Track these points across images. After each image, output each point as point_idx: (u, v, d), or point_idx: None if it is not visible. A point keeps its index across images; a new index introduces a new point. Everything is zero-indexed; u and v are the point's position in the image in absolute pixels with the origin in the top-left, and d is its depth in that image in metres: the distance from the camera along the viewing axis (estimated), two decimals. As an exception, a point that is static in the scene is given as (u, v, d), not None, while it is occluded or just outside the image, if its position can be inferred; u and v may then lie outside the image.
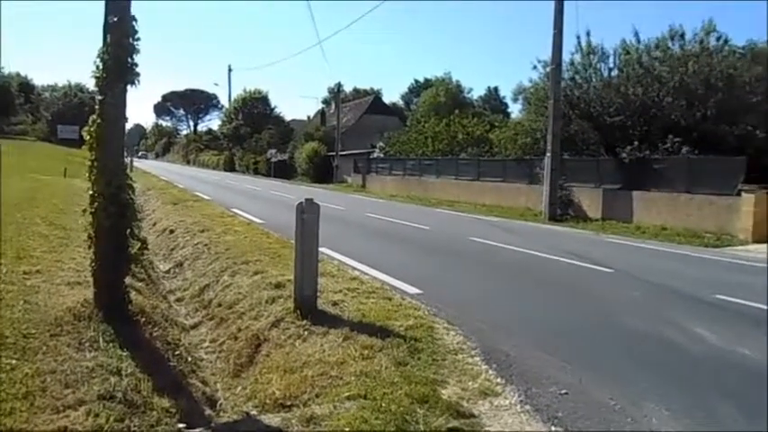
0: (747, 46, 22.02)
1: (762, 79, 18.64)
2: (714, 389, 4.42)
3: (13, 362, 4.06)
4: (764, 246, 12.89)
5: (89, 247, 5.33)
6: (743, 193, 14.50)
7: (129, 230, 5.22)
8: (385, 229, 14.86)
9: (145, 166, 48.30)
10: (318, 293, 6.21)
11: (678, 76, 18.89)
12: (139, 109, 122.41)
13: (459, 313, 6.17)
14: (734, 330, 6.07)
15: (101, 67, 5.04)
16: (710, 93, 18.43)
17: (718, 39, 19.73)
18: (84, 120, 5.60)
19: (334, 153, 40.88)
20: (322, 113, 58.50)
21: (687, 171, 16.37)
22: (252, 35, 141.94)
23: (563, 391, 4.25)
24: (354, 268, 8.44)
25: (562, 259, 10.41)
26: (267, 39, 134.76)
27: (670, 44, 20.45)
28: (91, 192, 5.13)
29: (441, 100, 53.79)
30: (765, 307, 6.92)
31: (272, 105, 65.58)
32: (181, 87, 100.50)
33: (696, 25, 20.48)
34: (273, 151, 48.30)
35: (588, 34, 22.08)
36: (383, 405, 3.83)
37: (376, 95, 62.59)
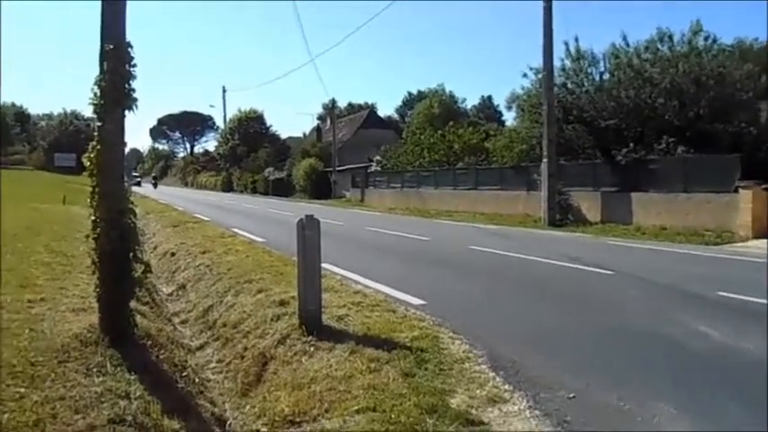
0: (736, 44, 22.24)
1: (752, 76, 18.80)
2: (719, 384, 4.44)
3: (22, 390, 4.07)
4: (764, 241, 12.94)
5: (93, 273, 5.36)
6: (740, 190, 14.57)
7: (131, 254, 5.25)
8: (386, 242, 14.88)
9: (143, 191, 48.24)
10: (323, 309, 6.22)
11: (669, 76, 19.03)
12: (136, 133, 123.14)
13: (464, 322, 6.18)
14: (737, 326, 6.09)
15: (98, 94, 5.10)
16: (702, 92, 18.57)
17: (706, 38, 19.94)
18: (81, 147, 5.66)
19: (331, 169, 41.01)
20: (318, 130, 58.72)
21: (683, 170, 16.48)
22: (244, 55, 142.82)
23: (571, 395, 4.26)
24: (357, 282, 8.45)
25: (563, 264, 10.44)
26: (260, 58, 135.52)
27: (659, 46, 20.63)
28: (93, 217, 5.17)
29: (435, 111, 54.02)
30: (766, 302, 6.95)
31: (268, 124, 65.96)
32: (176, 110, 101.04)
33: (684, 26, 20.66)
34: (271, 169, 48.44)
35: (576, 40, 22.33)
36: (393, 417, 3.84)
37: (371, 110, 62.99)
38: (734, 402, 4.10)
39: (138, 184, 71.17)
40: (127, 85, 5.12)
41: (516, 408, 4.09)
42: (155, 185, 67.40)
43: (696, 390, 4.36)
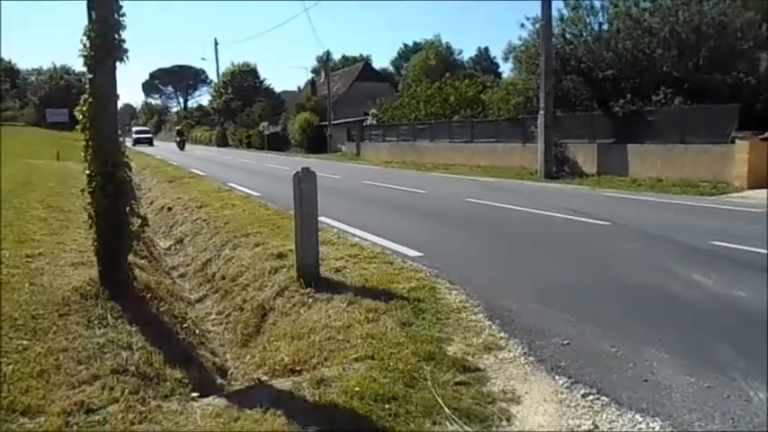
0: (739, -9, 21.70)
1: (752, 25, 18.48)
2: (712, 331, 4.53)
3: (25, 342, 4.13)
4: (760, 191, 12.98)
5: (90, 227, 5.37)
6: (737, 141, 14.53)
7: (128, 208, 5.25)
8: (382, 195, 14.88)
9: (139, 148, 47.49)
10: (320, 261, 6.27)
11: (668, 26, 18.69)
12: (129, 88, 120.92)
13: (461, 273, 6.24)
14: (730, 275, 6.17)
15: (88, 45, 4.98)
16: (702, 41, 18.28)
17: (708, -15, 19.49)
18: (73, 102, 5.56)
19: (326, 123, 40.63)
20: (312, 83, 57.85)
21: (680, 122, 16.38)
22: (236, 7, 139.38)
23: (565, 342, 4.34)
24: (354, 235, 8.48)
25: (559, 215, 10.49)
26: (252, 10, 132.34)
27: (659, -7, 20.18)
28: (87, 172, 5.13)
29: (431, 63, 53.26)
30: (762, 251, 7.01)
31: (262, 78, 64.91)
32: (168, 64, 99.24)
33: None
34: (266, 124, 47.97)
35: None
36: (391, 364, 3.92)
37: (366, 62, 61.91)
38: (725, 347, 4.19)
39: (149, 142, 53.53)
40: (117, 36, 4.99)
41: (511, 354, 4.18)
42: (181, 145, 45.81)
43: (689, 336, 4.44)
